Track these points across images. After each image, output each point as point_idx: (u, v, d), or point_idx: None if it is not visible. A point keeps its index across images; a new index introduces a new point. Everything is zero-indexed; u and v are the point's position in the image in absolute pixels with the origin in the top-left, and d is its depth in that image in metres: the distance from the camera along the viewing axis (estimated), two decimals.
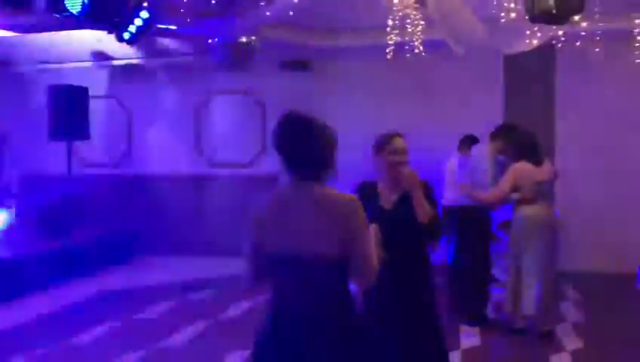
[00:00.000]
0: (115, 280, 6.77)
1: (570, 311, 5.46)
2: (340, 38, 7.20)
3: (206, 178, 8.32)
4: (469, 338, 4.67)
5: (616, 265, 6.55)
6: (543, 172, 4.47)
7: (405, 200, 2.78)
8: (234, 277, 6.87)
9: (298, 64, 7.86)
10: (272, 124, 2.03)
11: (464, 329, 4.85)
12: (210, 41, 6.60)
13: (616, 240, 6.63)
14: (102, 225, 7.94)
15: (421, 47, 5.69)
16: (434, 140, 7.12)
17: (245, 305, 5.67)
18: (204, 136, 8.38)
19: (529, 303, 4.43)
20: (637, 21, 5.24)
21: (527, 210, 4.44)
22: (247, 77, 7.77)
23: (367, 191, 2.82)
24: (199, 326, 5.07)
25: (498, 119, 7.05)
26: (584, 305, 5.65)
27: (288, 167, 1.98)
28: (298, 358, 1.92)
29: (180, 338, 4.78)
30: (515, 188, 4.42)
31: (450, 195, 5.22)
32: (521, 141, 4.55)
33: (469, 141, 5.42)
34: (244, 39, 6.43)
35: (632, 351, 4.40)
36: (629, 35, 5.72)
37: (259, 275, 2.04)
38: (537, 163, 4.45)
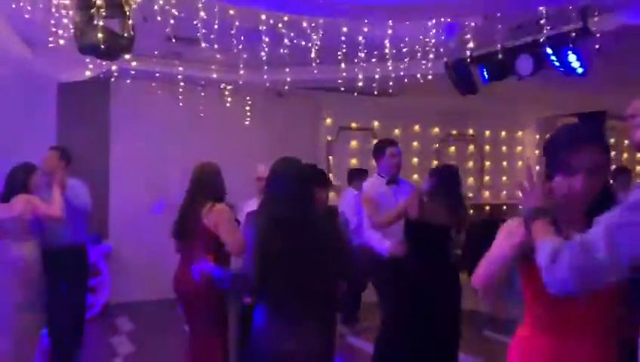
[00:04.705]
0: None
1: (123, 343, 5.50)
2: None
3: None
4: None
5: (164, 291, 6.93)
6: (11, 208, 4.12)
7: None
8: None
9: None
10: None
11: None
12: None
13: (163, 267, 7.00)
14: None
15: None
16: None
17: None
18: None
19: None
20: (180, 68, 5.83)
21: None
22: None
23: None
24: None
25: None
26: (137, 334, 5.79)
27: None
28: None
29: None
30: None
31: None
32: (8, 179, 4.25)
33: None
34: None
35: None
36: (173, 79, 6.27)
37: None
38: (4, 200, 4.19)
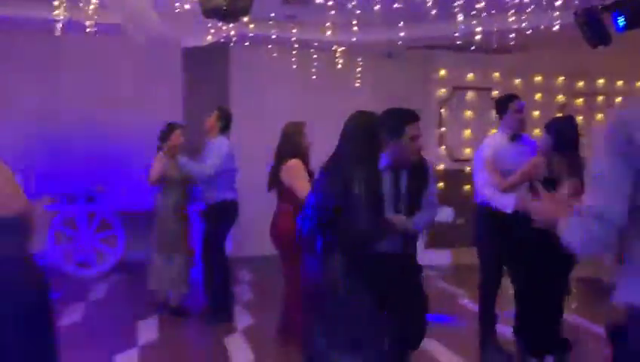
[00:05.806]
0: None
1: (244, 292, 5.89)
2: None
3: None
4: (148, 331, 4.59)
5: None
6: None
7: None
8: None
9: None
10: None
11: (142, 322, 4.75)
12: None
13: None
14: None
15: (94, 29, 5.31)
16: (111, 129, 6.81)
17: None
18: None
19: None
20: (294, 31, 5.94)
21: None
22: None
23: None
24: None
25: (179, 110, 7.11)
26: (256, 285, 6.17)
27: None
28: None
29: None
30: None
31: None
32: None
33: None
34: None
35: None
36: (287, 42, 6.40)
37: None
38: None
